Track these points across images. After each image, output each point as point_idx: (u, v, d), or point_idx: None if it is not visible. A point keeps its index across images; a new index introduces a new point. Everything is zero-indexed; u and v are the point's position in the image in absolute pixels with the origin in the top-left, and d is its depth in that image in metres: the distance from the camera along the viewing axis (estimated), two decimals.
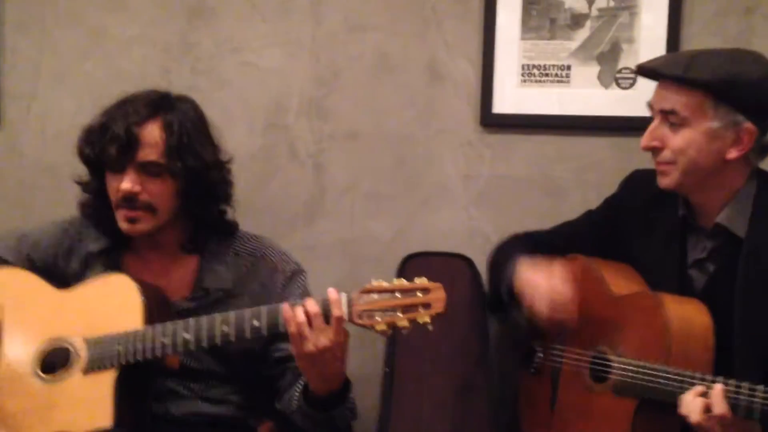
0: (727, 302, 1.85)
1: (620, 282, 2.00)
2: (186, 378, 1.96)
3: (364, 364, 2.45)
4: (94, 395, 1.82)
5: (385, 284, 1.74)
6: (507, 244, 2.17)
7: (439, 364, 2.26)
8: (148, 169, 1.90)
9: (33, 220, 2.50)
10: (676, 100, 1.83)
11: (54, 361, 1.88)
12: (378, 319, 1.72)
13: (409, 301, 1.72)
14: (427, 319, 1.71)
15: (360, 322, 1.73)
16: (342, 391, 1.86)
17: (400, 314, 1.71)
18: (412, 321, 1.71)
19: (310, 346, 1.74)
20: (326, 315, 1.75)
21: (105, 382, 1.82)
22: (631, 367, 1.85)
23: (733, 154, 1.83)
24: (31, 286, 1.97)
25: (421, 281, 1.73)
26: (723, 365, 1.81)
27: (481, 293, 2.35)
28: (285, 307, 1.76)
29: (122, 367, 1.82)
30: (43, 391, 1.85)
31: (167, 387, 1.96)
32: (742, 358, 1.83)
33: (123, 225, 1.94)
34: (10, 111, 2.59)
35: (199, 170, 1.93)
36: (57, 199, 2.54)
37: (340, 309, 1.73)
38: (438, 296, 1.72)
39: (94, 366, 1.83)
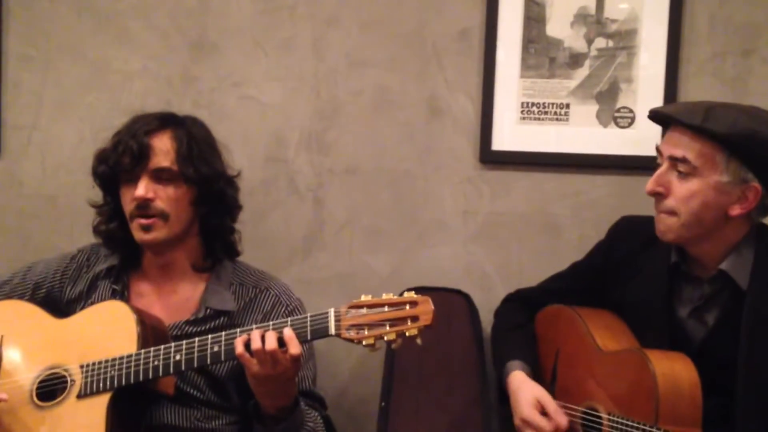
0: (729, 354, 1.83)
1: (606, 335, 1.99)
2: (185, 405, 1.96)
3: (361, 402, 2.45)
4: (87, 420, 1.83)
5: (373, 299, 1.74)
6: (504, 316, 2.20)
7: (435, 400, 2.25)
8: (161, 176, 1.97)
9: (32, 250, 2.51)
10: (689, 149, 1.80)
11: (53, 388, 1.89)
12: (366, 333, 1.71)
13: (396, 314, 1.71)
14: (415, 332, 1.70)
15: (347, 336, 1.73)
16: (291, 408, 1.87)
17: (387, 327, 1.70)
18: (400, 334, 1.70)
19: (265, 369, 1.76)
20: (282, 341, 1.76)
21: (98, 406, 1.83)
22: (622, 426, 1.84)
23: (736, 210, 1.82)
24: (30, 316, 2.00)
25: (409, 295, 1.73)
26: (721, 417, 1.80)
27: (478, 329, 2.35)
28: (254, 332, 1.77)
29: (115, 391, 1.84)
30: (40, 418, 1.87)
31: (167, 419, 1.96)
32: (744, 409, 1.81)
33: (138, 234, 1.99)
34: (11, 141, 2.61)
35: (211, 178, 2.01)
36: (56, 228, 2.55)
37: (296, 347, 1.75)
38: (425, 309, 1.71)
39: (88, 391, 1.85)
